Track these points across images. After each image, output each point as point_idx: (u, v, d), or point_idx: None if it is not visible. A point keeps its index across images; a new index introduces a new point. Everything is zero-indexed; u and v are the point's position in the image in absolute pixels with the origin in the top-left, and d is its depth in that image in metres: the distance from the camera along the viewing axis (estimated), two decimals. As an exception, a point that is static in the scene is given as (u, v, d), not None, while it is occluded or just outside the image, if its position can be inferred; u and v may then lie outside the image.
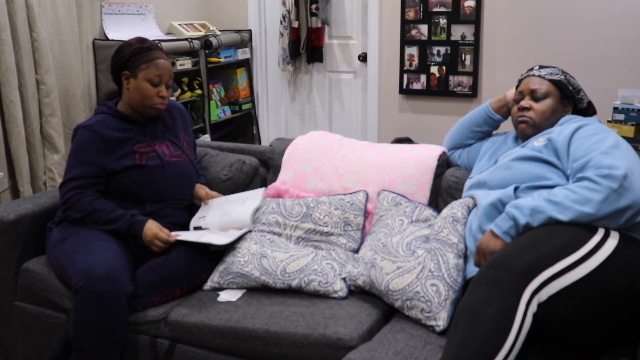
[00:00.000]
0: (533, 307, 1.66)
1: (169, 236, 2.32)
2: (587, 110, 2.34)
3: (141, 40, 2.49)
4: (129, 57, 2.44)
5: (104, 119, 2.44)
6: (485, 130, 2.51)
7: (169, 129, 2.59)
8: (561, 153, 2.05)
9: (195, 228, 2.51)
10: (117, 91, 2.56)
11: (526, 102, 2.25)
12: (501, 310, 1.64)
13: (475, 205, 2.19)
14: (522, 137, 2.27)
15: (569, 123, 2.16)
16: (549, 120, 2.23)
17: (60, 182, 3.70)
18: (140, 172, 2.42)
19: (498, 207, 2.05)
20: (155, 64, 2.43)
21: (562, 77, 2.26)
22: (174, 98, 4.34)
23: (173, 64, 4.28)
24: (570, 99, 2.28)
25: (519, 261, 1.71)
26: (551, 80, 2.24)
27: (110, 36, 4.04)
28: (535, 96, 2.24)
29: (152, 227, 2.31)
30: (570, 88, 2.26)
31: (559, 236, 1.79)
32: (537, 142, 2.14)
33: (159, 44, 4.01)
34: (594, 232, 1.81)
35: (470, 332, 1.64)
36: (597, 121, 2.17)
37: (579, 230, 1.81)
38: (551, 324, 1.71)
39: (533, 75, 2.28)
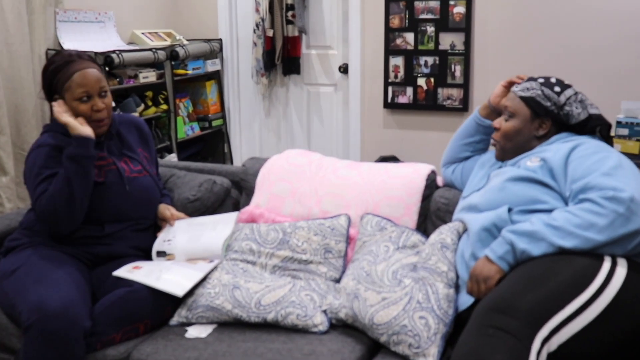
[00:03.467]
0: (543, 358, 1.67)
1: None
2: (585, 125, 2.25)
3: (58, 56, 2.48)
4: (51, 80, 2.44)
5: (53, 135, 2.44)
6: (478, 140, 2.53)
7: (125, 144, 2.59)
8: (558, 174, 2.06)
9: (159, 253, 2.50)
10: None
11: (498, 121, 2.30)
12: None
13: (465, 230, 2.20)
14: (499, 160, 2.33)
15: (562, 142, 2.17)
16: (513, 142, 2.25)
17: (9, 207, 3.69)
18: (98, 190, 2.41)
19: (493, 232, 2.06)
20: (76, 80, 2.40)
21: (539, 92, 2.23)
22: (136, 114, 4.34)
23: (136, 76, 4.30)
24: (546, 116, 2.24)
25: (525, 302, 1.71)
26: (521, 98, 2.25)
27: (66, 46, 4.04)
28: (506, 113, 2.28)
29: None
30: (548, 104, 2.22)
31: (564, 269, 1.79)
32: (531, 162, 2.14)
33: (119, 55, 4.01)
34: (600, 261, 1.82)
35: None
36: (596, 139, 2.19)
37: (585, 260, 1.82)
38: None
39: (512, 90, 2.31)
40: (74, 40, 4.11)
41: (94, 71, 2.45)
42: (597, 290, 1.75)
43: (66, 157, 2.31)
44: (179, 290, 2.26)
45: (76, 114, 2.41)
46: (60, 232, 2.40)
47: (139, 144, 2.66)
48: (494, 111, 2.43)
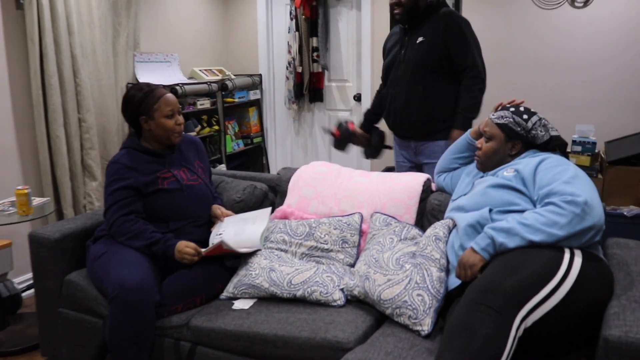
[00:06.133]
0: (520, 332, 1.66)
1: (195, 250, 2.30)
2: (548, 144, 2.23)
3: (140, 87, 2.49)
4: (140, 104, 2.44)
5: (127, 152, 2.46)
6: (467, 156, 2.51)
7: (185, 158, 2.60)
8: (528, 182, 2.04)
9: (215, 245, 2.52)
10: (136, 132, 2.56)
11: (480, 142, 2.28)
12: (496, 333, 1.62)
13: (455, 225, 2.19)
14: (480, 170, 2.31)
15: (531, 157, 2.15)
16: (492, 159, 2.23)
17: (97, 205, 3.72)
18: (163, 195, 2.43)
19: (476, 228, 2.04)
20: (164, 101, 2.44)
21: (511, 119, 2.20)
22: (194, 133, 4.37)
23: (194, 103, 4.33)
24: (517, 139, 2.21)
25: (508, 284, 1.70)
26: (497, 124, 2.22)
27: (142, 80, 4.07)
28: (486, 136, 2.26)
29: (180, 247, 2.30)
30: (518, 129, 2.19)
31: (536, 259, 1.78)
32: (507, 172, 2.13)
33: (182, 87, 4.05)
34: (562, 252, 1.80)
35: (467, 348, 1.62)
36: (557, 154, 2.17)
37: (550, 252, 1.80)
38: (531, 344, 1.71)
39: (489, 117, 2.29)
40: (147, 77, 4.15)
41: (173, 95, 2.50)
42: (562, 276, 1.73)
43: (153, 245, 2.31)
44: (244, 249, 2.37)
45: (164, 129, 2.44)
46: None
47: (196, 157, 2.67)
48: (481, 135, 2.43)
